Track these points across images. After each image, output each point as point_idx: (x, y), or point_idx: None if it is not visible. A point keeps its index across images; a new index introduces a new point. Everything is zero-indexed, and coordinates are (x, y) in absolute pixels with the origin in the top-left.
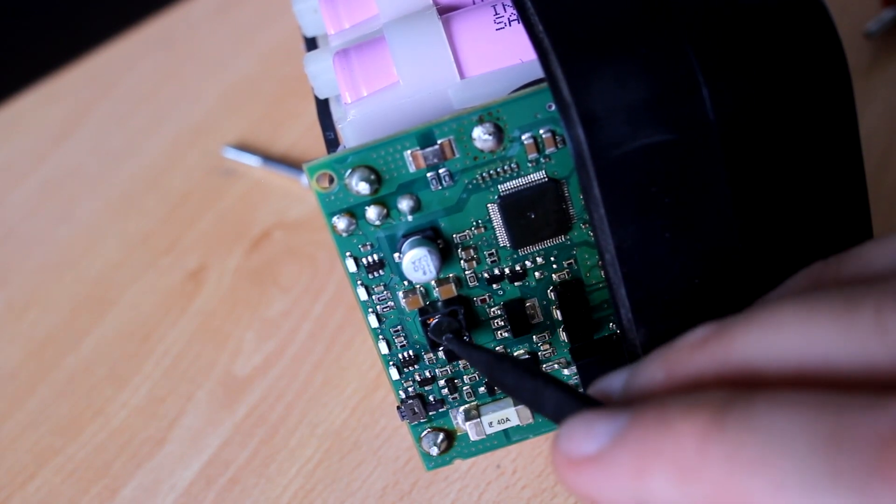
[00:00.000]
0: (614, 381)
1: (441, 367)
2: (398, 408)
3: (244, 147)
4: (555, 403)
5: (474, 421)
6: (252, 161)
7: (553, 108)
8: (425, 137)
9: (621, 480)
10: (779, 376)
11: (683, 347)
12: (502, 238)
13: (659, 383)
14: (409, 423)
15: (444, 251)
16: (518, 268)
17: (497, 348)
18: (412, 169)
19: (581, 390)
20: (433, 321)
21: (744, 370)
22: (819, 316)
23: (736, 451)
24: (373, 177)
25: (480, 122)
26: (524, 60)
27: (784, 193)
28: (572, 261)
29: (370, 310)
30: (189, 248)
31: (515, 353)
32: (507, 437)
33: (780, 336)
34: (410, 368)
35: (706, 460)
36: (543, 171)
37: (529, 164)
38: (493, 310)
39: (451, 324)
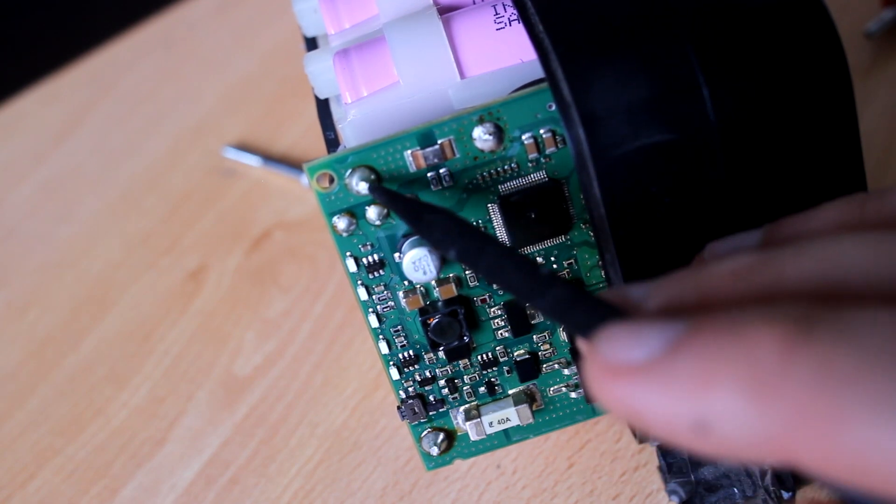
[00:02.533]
0: (632, 293)
1: (441, 367)
2: (398, 408)
3: (244, 147)
4: (564, 303)
5: (474, 421)
6: (252, 161)
7: (553, 107)
8: (425, 137)
9: (679, 393)
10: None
11: (723, 274)
12: (503, 238)
13: (691, 307)
14: (410, 423)
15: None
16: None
17: (497, 348)
18: (412, 169)
19: (581, 391)
20: (433, 321)
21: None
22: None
23: (827, 364)
24: (373, 177)
25: (481, 121)
26: (524, 60)
27: (784, 193)
28: (572, 261)
29: (370, 310)
30: (189, 248)
31: (515, 354)
32: (507, 437)
33: (844, 262)
34: (411, 368)
35: (789, 374)
36: (544, 171)
37: (530, 164)
38: (493, 310)
39: (451, 323)
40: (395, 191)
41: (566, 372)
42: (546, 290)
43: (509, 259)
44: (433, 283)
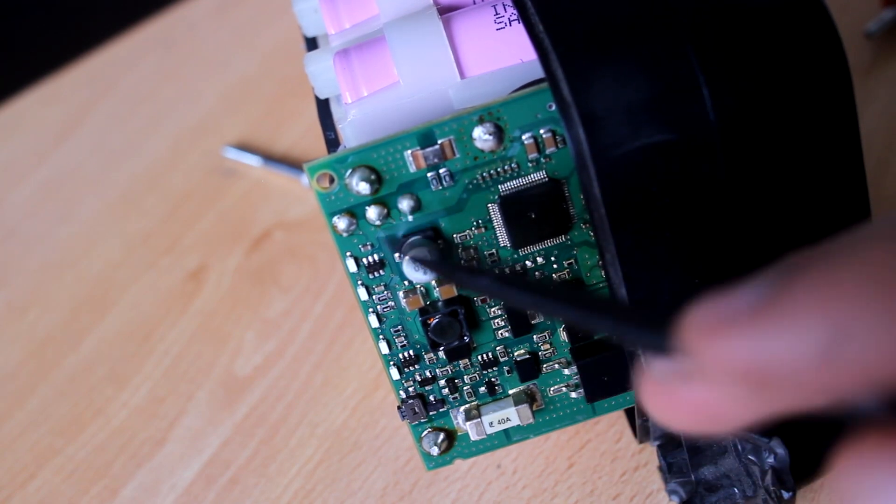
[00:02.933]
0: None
1: (441, 367)
2: (399, 408)
3: (244, 147)
4: (629, 320)
5: (475, 421)
6: (252, 161)
7: (553, 107)
8: (426, 137)
9: (800, 320)
10: None
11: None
12: (502, 238)
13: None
14: (410, 423)
15: (445, 251)
16: (518, 268)
17: (497, 348)
18: (412, 169)
19: (581, 391)
20: (433, 321)
21: None
22: None
23: None
24: (373, 177)
25: (481, 121)
26: (524, 60)
27: (784, 193)
28: (572, 261)
29: (371, 310)
30: (189, 248)
31: (516, 353)
32: (507, 436)
33: None
34: (411, 368)
35: None
36: (544, 171)
37: (530, 164)
38: (493, 310)
39: (451, 323)
40: (449, 264)
41: (566, 372)
42: (605, 313)
43: (566, 298)
44: (433, 282)
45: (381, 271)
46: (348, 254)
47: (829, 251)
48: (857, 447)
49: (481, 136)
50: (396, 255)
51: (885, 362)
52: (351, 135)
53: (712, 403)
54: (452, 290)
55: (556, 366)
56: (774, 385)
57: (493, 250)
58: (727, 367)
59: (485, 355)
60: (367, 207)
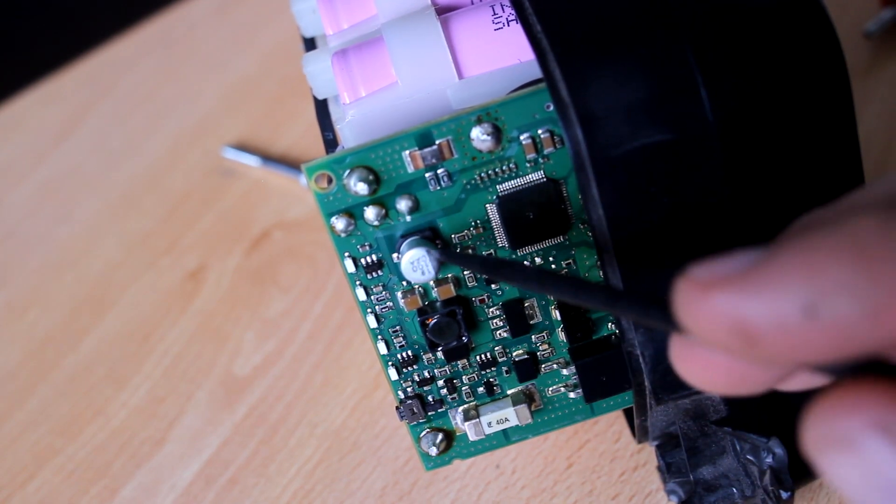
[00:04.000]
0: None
1: (440, 368)
2: (397, 408)
3: (244, 147)
4: (641, 302)
5: (473, 421)
6: (252, 161)
7: (551, 108)
8: (424, 138)
9: (783, 282)
10: None
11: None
12: (501, 238)
13: None
14: (409, 423)
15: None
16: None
17: (495, 349)
18: (410, 169)
19: (580, 391)
20: (432, 321)
21: None
22: None
23: None
24: (371, 177)
25: (479, 122)
26: (522, 60)
27: (784, 193)
28: (571, 261)
29: (369, 310)
30: (189, 248)
31: (514, 354)
32: (506, 437)
33: None
34: (409, 369)
35: (893, 240)
36: (542, 172)
37: (528, 165)
38: (491, 310)
39: (449, 323)
40: (467, 254)
41: (565, 372)
42: (619, 296)
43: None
44: (431, 283)
45: (379, 272)
46: (346, 254)
47: (822, 218)
48: (828, 399)
49: (479, 137)
50: (394, 255)
51: (862, 325)
52: (349, 135)
53: (720, 364)
54: (451, 291)
55: (555, 366)
56: (760, 342)
57: (492, 250)
58: (714, 322)
59: (483, 355)
60: (365, 208)
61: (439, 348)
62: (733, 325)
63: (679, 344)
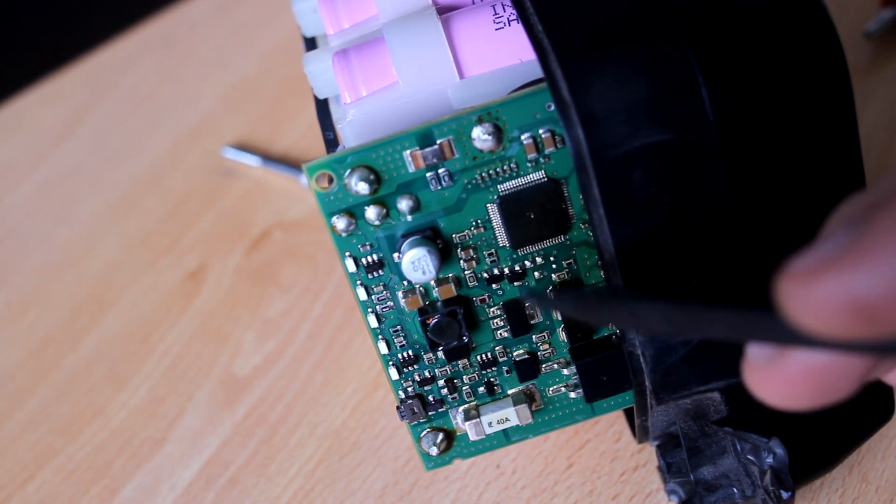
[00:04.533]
0: None
1: (440, 367)
2: (398, 408)
3: (244, 147)
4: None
5: (474, 421)
6: (252, 161)
7: (552, 107)
8: (424, 137)
9: (892, 249)
10: None
11: None
12: (502, 238)
13: None
14: (409, 423)
15: (444, 251)
16: (517, 268)
17: (496, 348)
18: (411, 169)
19: (580, 391)
20: (432, 321)
21: None
22: None
23: None
24: (372, 177)
25: (480, 121)
26: (523, 60)
27: (784, 193)
28: (572, 261)
29: (370, 310)
30: (189, 248)
31: (515, 354)
32: (506, 437)
33: None
34: (410, 368)
35: None
36: (543, 171)
37: (529, 164)
38: (492, 310)
39: (450, 323)
40: (587, 295)
41: (565, 372)
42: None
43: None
44: (432, 283)
45: (380, 271)
46: (347, 254)
47: (887, 191)
48: None
49: (480, 136)
50: (395, 255)
51: None
52: (350, 135)
53: (821, 364)
54: (451, 290)
55: (556, 366)
56: (882, 314)
57: (493, 250)
58: (831, 307)
59: (484, 355)
60: (365, 207)
61: (440, 348)
62: (851, 304)
63: (757, 369)
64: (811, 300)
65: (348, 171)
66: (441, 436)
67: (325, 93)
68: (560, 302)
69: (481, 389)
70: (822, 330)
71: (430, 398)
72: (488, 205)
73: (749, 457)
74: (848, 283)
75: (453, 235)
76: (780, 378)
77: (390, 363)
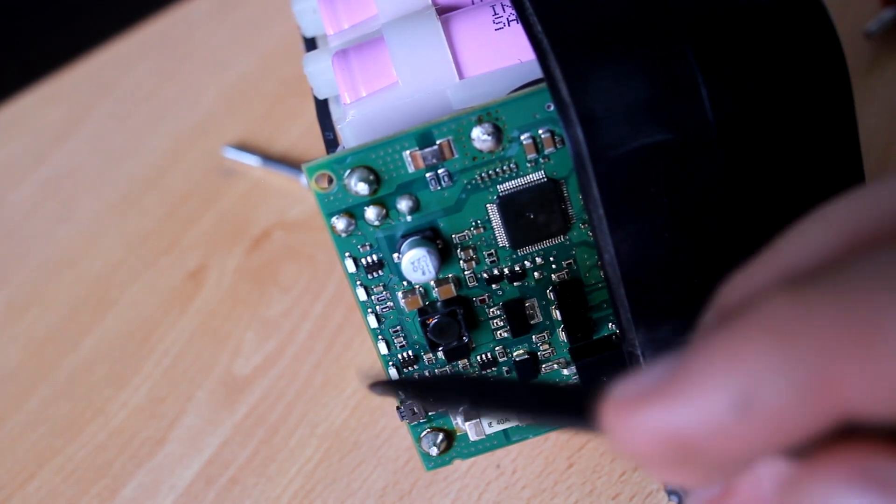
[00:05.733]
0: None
1: (440, 368)
2: (398, 408)
3: (244, 147)
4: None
5: (474, 421)
6: (252, 161)
7: (552, 108)
8: (424, 138)
9: (709, 385)
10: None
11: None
12: (501, 238)
13: None
14: (409, 423)
15: (444, 251)
16: (517, 268)
17: (496, 349)
18: (411, 169)
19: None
20: (432, 321)
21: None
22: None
23: (841, 294)
24: (372, 177)
25: (479, 122)
26: (523, 60)
27: (784, 193)
28: (571, 261)
29: (369, 310)
30: (189, 248)
31: (515, 354)
32: (506, 437)
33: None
34: (410, 369)
35: (810, 315)
36: (542, 172)
37: (528, 165)
38: (492, 310)
39: (450, 324)
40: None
41: (565, 372)
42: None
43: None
44: (432, 283)
45: (379, 272)
46: (347, 254)
47: (724, 314)
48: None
49: (480, 137)
50: (395, 255)
51: (799, 407)
52: (350, 135)
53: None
54: (451, 291)
55: (555, 366)
56: (701, 451)
57: (492, 250)
58: (649, 443)
59: (484, 355)
60: (365, 208)
61: (440, 348)
62: (668, 439)
63: (617, 403)
64: (631, 433)
65: (348, 172)
66: (441, 436)
67: (325, 93)
68: (400, 387)
69: None
70: (641, 460)
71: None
72: (488, 205)
73: None
74: (665, 417)
75: (453, 236)
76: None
77: (390, 363)
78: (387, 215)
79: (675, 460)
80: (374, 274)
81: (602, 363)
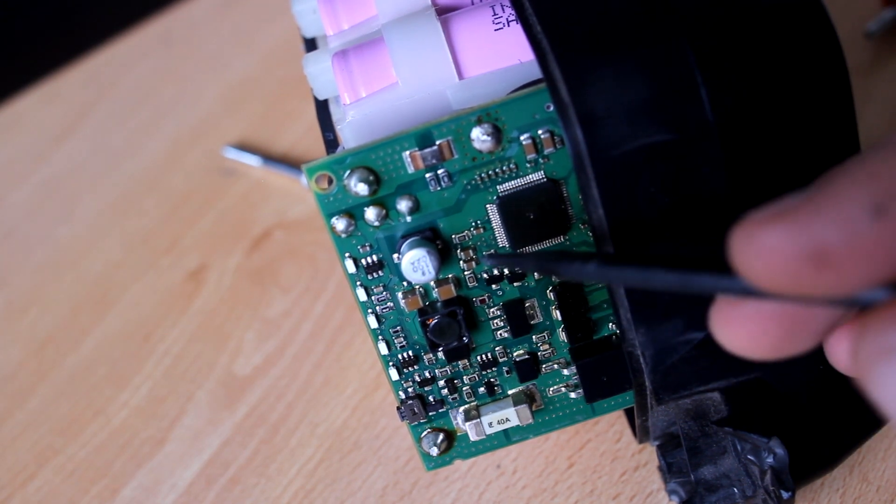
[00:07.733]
0: None
1: (441, 368)
2: (398, 408)
3: (244, 147)
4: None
5: (474, 421)
6: (252, 161)
7: (551, 108)
8: (424, 138)
9: (846, 195)
10: None
11: None
12: (501, 238)
13: None
14: (409, 423)
15: (443, 252)
16: (517, 268)
17: (496, 349)
18: (411, 170)
19: (580, 391)
20: (432, 322)
21: None
22: None
23: None
24: (371, 178)
25: (479, 122)
26: (523, 61)
27: (784, 193)
28: None
29: (369, 310)
30: (189, 248)
31: (515, 354)
32: (506, 437)
33: None
34: (410, 369)
35: None
36: (542, 172)
37: (528, 165)
38: (492, 310)
39: (450, 324)
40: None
41: (566, 372)
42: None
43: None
44: (432, 283)
45: (379, 272)
46: (347, 255)
47: (857, 159)
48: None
49: (479, 137)
50: (395, 255)
51: None
52: (349, 136)
53: (768, 320)
54: (451, 291)
55: (556, 366)
56: (833, 260)
57: (492, 251)
58: (782, 253)
59: (484, 356)
60: (365, 208)
61: (440, 348)
62: (802, 249)
63: (721, 309)
64: (763, 246)
65: (348, 172)
66: (441, 436)
67: (325, 94)
68: (523, 260)
69: (481, 390)
70: (769, 276)
71: (431, 398)
72: (488, 205)
73: (749, 457)
74: (801, 228)
75: (453, 236)
76: (740, 319)
77: (390, 364)
78: (387, 216)
79: (805, 275)
80: (374, 274)
81: (602, 363)
